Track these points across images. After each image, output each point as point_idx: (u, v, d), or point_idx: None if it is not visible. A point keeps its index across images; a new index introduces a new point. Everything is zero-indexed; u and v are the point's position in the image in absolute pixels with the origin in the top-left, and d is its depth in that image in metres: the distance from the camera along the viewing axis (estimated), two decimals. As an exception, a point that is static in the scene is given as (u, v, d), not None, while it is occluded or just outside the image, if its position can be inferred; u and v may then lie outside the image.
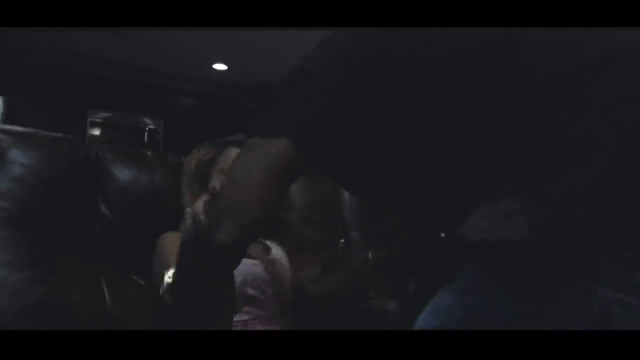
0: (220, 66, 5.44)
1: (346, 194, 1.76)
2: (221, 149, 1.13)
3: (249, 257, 1.07)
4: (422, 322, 0.67)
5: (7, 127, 1.09)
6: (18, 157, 1.07)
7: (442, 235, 0.97)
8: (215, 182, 1.05)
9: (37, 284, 0.99)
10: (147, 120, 5.22)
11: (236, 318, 0.98)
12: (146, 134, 5.15)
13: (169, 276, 0.95)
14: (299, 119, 0.68)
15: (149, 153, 1.30)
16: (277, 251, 1.17)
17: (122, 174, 1.18)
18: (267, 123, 0.70)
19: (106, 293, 1.08)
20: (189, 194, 1.08)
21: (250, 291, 1.04)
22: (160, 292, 0.97)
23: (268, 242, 1.17)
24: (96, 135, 5.00)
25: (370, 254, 1.32)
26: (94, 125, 4.89)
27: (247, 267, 1.04)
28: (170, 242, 1.03)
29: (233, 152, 1.09)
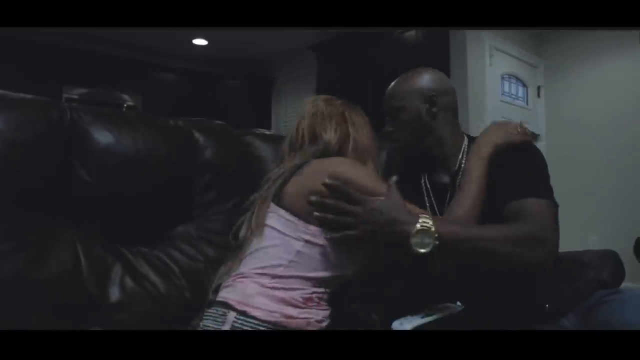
0: (200, 41, 5.30)
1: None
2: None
3: None
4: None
5: (-29, 87, 0.99)
6: (-17, 121, 0.97)
7: None
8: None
9: (7, 258, 0.91)
10: (125, 96, 5.06)
11: None
12: (124, 110, 5.01)
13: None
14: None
15: (130, 113, 1.21)
16: None
17: (101, 135, 1.08)
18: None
19: (83, 265, 1.00)
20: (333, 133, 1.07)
21: None
22: None
23: None
24: (72, 112, 4.83)
25: None
26: (70, 101, 4.71)
27: None
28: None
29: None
